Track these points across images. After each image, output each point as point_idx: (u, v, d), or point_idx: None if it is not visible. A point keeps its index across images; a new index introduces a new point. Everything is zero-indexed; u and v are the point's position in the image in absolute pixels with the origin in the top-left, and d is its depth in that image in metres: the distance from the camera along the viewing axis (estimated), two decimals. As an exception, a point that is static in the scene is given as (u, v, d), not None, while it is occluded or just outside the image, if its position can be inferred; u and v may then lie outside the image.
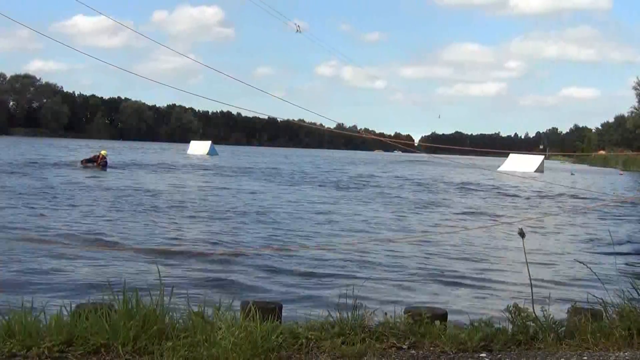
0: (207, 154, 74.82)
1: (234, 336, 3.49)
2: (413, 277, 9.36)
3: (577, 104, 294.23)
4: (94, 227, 13.07)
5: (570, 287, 8.69)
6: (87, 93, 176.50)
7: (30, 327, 3.60)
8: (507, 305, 4.33)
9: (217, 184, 28.66)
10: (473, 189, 31.63)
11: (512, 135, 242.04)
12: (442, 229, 15.48)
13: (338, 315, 4.07)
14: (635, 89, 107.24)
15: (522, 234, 4.53)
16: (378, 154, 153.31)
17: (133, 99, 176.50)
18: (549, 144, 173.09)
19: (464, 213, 19.61)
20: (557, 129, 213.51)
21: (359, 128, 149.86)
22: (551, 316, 4.21)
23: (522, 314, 4.20)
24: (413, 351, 3.83)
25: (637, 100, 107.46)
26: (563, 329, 4.20)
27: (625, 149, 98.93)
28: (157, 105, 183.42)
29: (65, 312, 3.83)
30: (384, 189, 29.47)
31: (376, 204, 21.57)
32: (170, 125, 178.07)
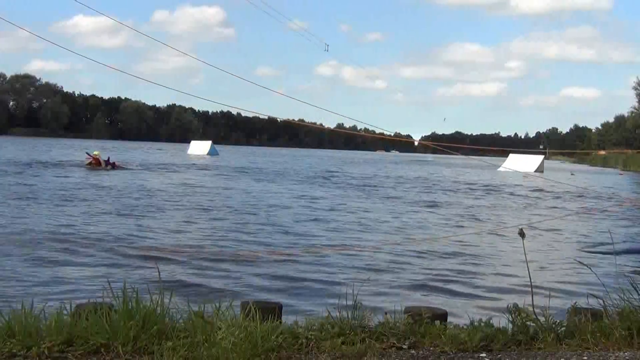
0: (208, 153, 74.80)
1: (234, 336, 3.49)
2: (413, 277, 9.36)
3: (577, 104, 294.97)
4: (94, 227, 13.08)
5: (570, 287, 8.68)
6: (87, 93, 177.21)
7: (30, 327, 3.59)
8: (507, 305, 4.32)
9: (217, 183, 28.67)
10: (473, 189, 31.64)
11: (512, 135, 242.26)
12: (442, 229, 15.48)
13: (338, 315, 4.06)
14: (635, 89, 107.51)
15: (522, 234, 4.52)
16: (379, 154, 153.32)
17: (133, 99, 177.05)
18: (549, 144, 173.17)
19: (464, 213, 19.62)
20: (557, 129, 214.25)
21: (359, 128, 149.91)
22: (551, 316, 4.21)
23: (522, 314, 4.20)
24: (413, 351, 3.83)
25: (637, 100, 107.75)
26: (563, 329, 4.19)
27: (625, 148, 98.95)
28: (157, 105, 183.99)
29: (65, 312, 3.83)
30: (387, 190, 29.48)
31: (376, 204, 21.58)
32: (171, 125, 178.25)
